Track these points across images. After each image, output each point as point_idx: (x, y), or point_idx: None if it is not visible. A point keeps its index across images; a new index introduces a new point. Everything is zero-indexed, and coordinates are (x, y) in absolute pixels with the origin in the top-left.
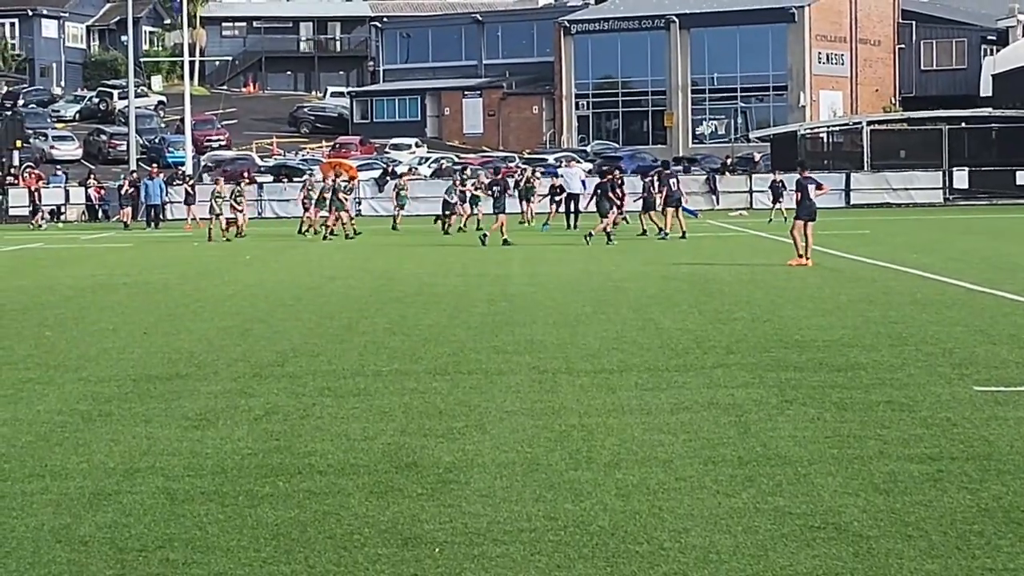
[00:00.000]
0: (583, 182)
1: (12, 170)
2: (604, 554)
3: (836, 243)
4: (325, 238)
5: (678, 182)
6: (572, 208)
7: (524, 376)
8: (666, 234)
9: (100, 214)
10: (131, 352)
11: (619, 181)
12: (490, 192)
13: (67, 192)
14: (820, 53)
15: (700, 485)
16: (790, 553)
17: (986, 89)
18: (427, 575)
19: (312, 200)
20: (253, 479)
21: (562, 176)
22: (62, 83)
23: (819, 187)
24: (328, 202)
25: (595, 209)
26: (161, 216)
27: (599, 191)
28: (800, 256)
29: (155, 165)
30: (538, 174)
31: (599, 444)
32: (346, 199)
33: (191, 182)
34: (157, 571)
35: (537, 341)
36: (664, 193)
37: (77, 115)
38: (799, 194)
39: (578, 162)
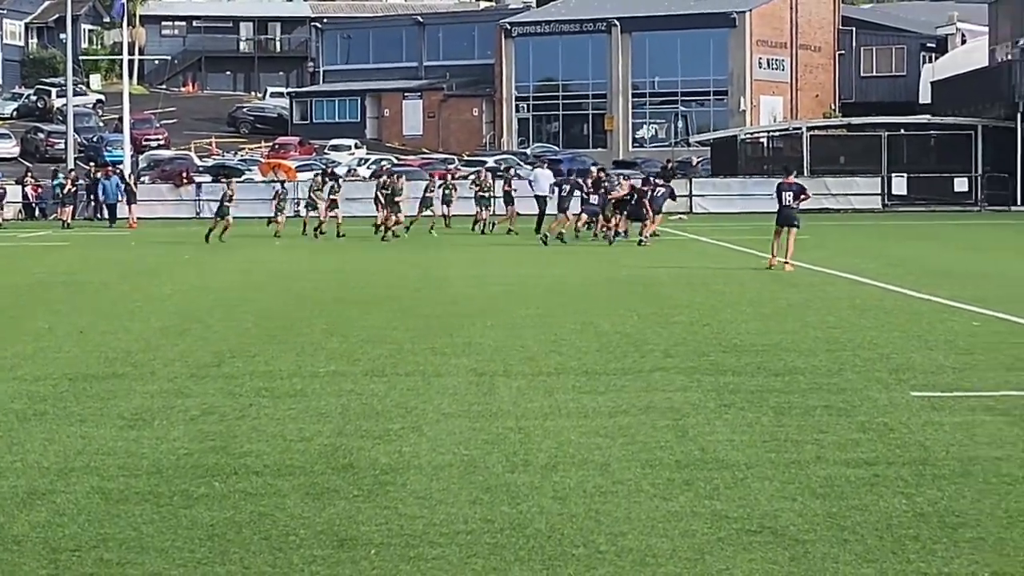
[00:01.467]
0: (551, 185)
1: None
2: (541, 557)
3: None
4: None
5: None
6: (539, 210)
7: (462, 378)
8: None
9: (37, 212)
10: (67, 351)
11: (604, 181)
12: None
13: (4, 190)
14: (761, 58)
15: (637, 488)
16: (727, 557)
17: (925, 96)
18: None
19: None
20: (189, 479)
21: (532, 178)
22: None
23: (797, 195)
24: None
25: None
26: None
27: (563, 191)
28: (772, 257)
29: (92, 164)
30: (489, 177)
31: (536, 447)
32: (319, 199)
33: (133, 181)
34: (91, 571)
35: (475, 343)
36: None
37: (14, 113)
38: (777, 200)
39: (544, 164)
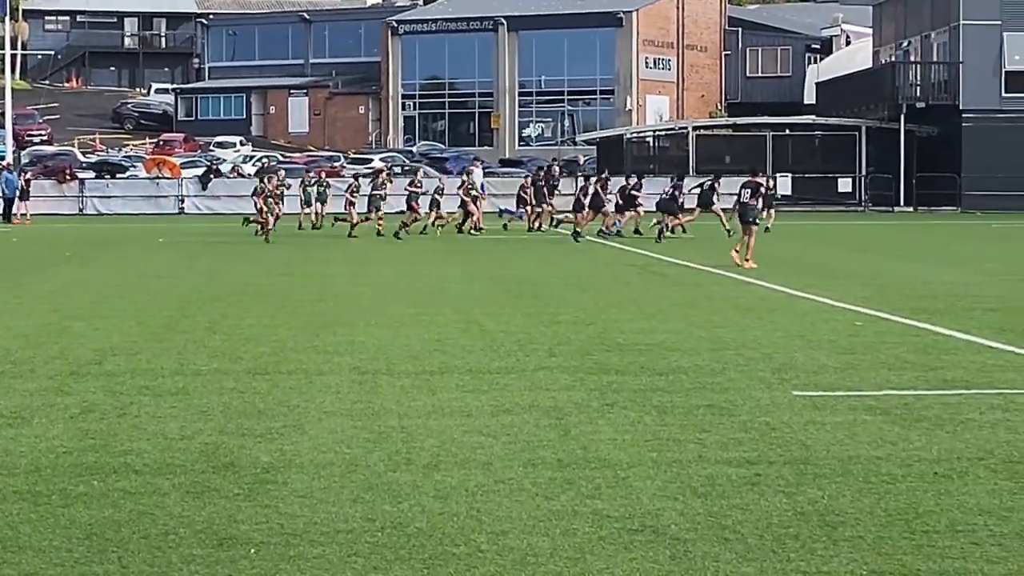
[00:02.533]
0: (482, 185)
1: None
2: (421, 556)
3: (660, 247)
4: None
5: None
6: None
7: (345, 377)
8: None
9: None
10: None
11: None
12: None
13: None
14: (647, 58)
15: (519, 487)
16: (608, 556)
17: (810, 97)
18: None
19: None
20: (68, 478)
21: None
22: None
23: (753, 194)
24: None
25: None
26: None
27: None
28: (736, 255)
29: None
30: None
31: (419, 446)
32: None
33: (26, 177)
34: None
35: (359, 342)
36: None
37: None
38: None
39: (481, 163)
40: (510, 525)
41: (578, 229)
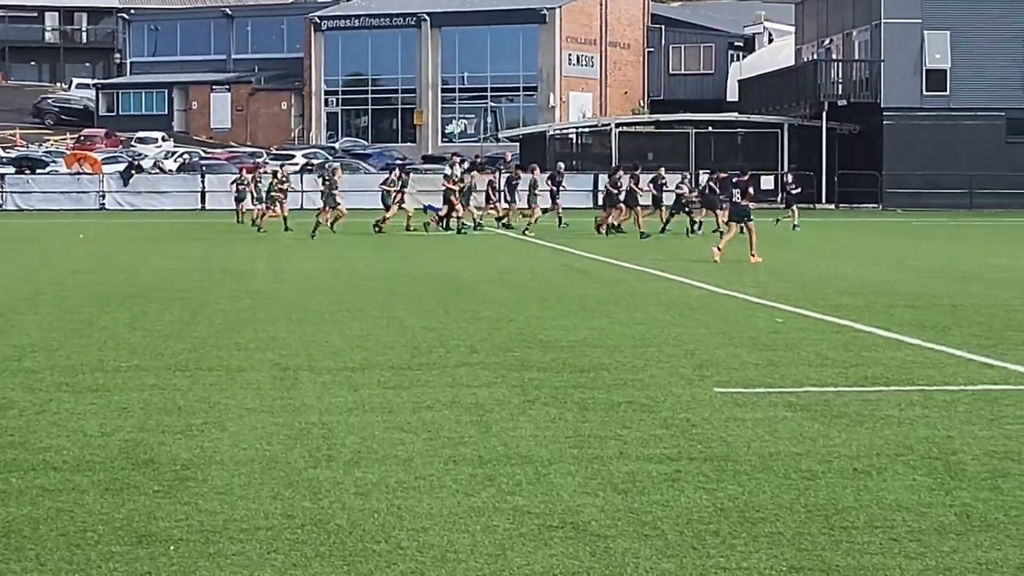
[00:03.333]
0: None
1: None
2: (341, 553)
3: (583, 244)
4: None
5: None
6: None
7: (266, 373)
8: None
9: None
10: None
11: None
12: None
13: None
14: (570, 55)
15: (440, 484)
16: (527, 552)
17: (733, 94)
18: (160, 573)
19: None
20: None
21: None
22: None
23: (743, 194)
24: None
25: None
26: None
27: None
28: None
29: None
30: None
31: (339, 442)
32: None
33: None
34: None
35: (280, 338)
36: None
37: None
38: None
39: (463, 160)
40: (430, 522)
41: (624, 225)
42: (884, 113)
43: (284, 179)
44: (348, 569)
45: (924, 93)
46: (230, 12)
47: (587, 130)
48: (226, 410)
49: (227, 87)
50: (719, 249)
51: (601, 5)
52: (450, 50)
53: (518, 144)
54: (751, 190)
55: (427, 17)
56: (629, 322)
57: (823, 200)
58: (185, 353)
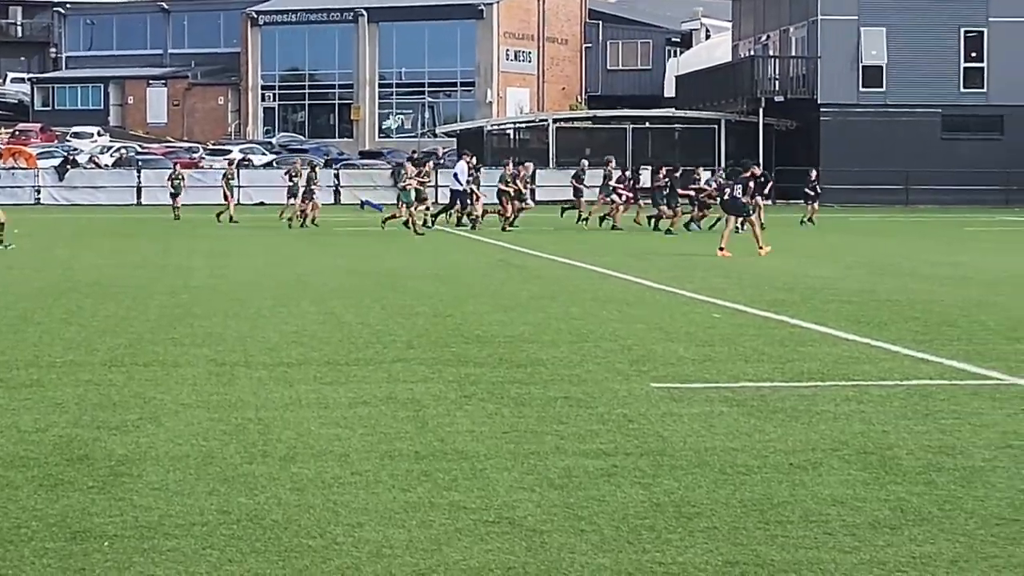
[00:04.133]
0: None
1: None
2: (277, 548)
3: (521, 239)
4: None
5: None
6: (461, 205)
7: (202, 369)
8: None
9: None
10: None
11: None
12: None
13: None
14: (508, 50)
15: (376, 479)
16: (464, 548)
17: (670, 90)
18: (95, 569)
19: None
20: None
21: (457, 171)
22: None
23: (744, 190)
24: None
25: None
26: None
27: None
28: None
29: None
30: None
31: (275, 438)
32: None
33: None
34: None
35: (216, 334)
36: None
37: None
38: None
39: (469, 156)
40: (366, 517)
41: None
42: (821, 109)
43: (232, 175)
44: (283, 564)
45: (860, 89)
46: (166, 7)
47: (524, 126)
48: (162, 406)
49: (163, 82)
50: (722, 249)
51: (539, 1)
52: (387, 45)
53: (455, 140)
54: (751, 188)
55: (364, 12)
56: (566, 317)
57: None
58: (121, 348)
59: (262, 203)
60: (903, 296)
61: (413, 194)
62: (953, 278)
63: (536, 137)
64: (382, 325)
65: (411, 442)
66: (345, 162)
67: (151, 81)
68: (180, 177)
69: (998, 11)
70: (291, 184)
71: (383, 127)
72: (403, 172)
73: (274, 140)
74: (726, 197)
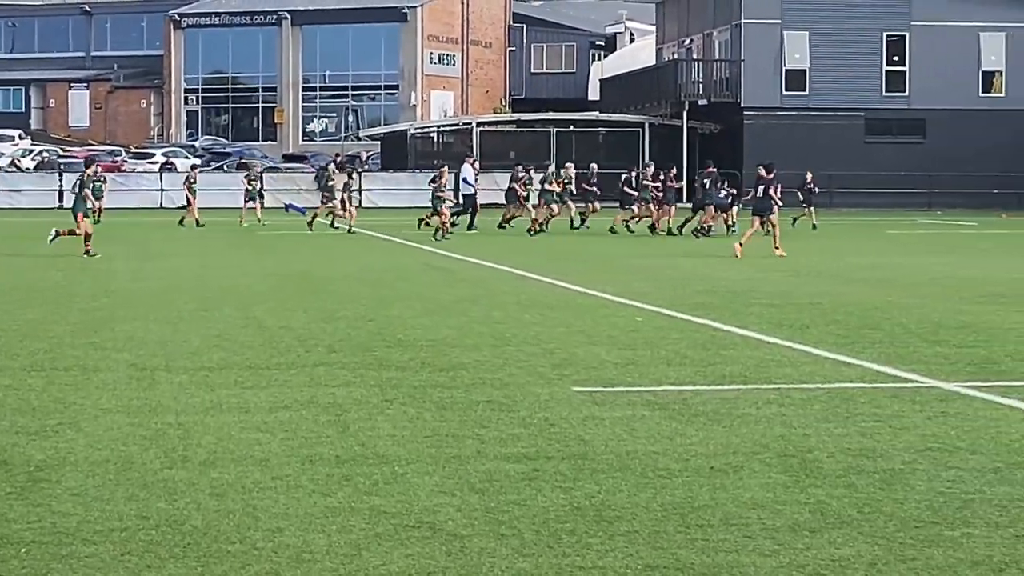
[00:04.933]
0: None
1: None
2: (196, 554)
3: (444, 243)
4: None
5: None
6: (470, 208)
7: (122, 373)
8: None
9: None
10: None
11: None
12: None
13: None
14: (432, 54)
15: (296, 484)
16: (384, 552)
17: (594, 93)
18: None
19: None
20: None
21: (464, 175)
22: None
23: (767, 190)
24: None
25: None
26: None
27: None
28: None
29: None
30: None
31: (196, 442)
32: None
33: None
34: None
35: (137, 338)
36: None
37: None
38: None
39: (472, 159)
40: (286, 522)
41: (704, 226)
42: (744, 113)
43: (194, 179)
44: (203, 570)
45: (784, 93)
46: (89, 9)
47: (448, 129)
48: (81, 410)
49: (86, 85)
50: (740, 245)
51: (463, 4)
52: (311, 48)
53: (379, 143)
54: (774, 188)
55: (288, 15)
56: (488, 321)
57: (683, 199)
58: (40, 353)
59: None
60: (825, 299)
61: (447, 202)
62: (875, 281)
63: (460, 140)
64: (304, 329)
65: (332, 446)
66: (269, 165)
67: (73, 84)
68: (102, 180)
69: (920, 15)
70: (249, 188)
71: (307, 130)
72: (328, 175)
73: (197, 143)
74: (751, 197)
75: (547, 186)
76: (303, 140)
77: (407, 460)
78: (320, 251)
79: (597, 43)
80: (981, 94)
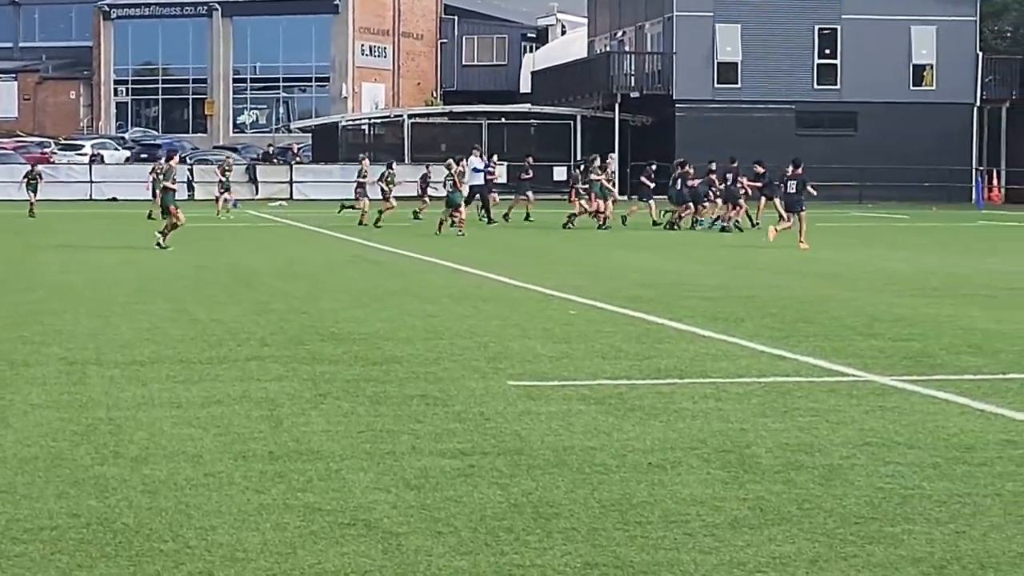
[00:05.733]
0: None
1: None
2: (128, 553)
3: (376, 235)
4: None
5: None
6: (479, 198)
7: (52, 368)
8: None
9: None
10: None
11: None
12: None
13: None
14: (363, 45)
15: (230, 481)
16: (319, 551)
17: (526, 86)
18: None
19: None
20: None
21: (470, 167)
22: None
23: (803, 186)
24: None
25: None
26: None
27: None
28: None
29: None
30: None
31: (127, 438)
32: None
33: None
34: None
35: (67, 331)
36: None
37: None
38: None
39: (479, 151)
40: (219, 520)
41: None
42: (676, 105)
43: (162, 171)
44: (134, 570)
45: (716, 85)
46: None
47: (380, 121)
48: (10, 406)
49: (13, 76)
50: (776, 230)
51: None
52: (242, 40)
53: (310, 135)
54: (808, 184)
55: (219, 6)
56: (422, 314)
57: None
58: None
59: (115, 199)
60: (760, 292)
61: (461, 196)
62: (808, 274)
63: (391, 132)
64: (236, 322)
65: (265, 442)
66: (199, 157)
67: (1, 75)
68: (38, 175)
69: (851, 9)
70: (223, 179)
71: (237, 122)
72: (361, 169)
73: (127, 135)
74: (784, 192)
75: (593, 177)
76: (234, 132)
77: (341, 456)
78: (250, 244)
79: (529, 35)
80: (912, 87)
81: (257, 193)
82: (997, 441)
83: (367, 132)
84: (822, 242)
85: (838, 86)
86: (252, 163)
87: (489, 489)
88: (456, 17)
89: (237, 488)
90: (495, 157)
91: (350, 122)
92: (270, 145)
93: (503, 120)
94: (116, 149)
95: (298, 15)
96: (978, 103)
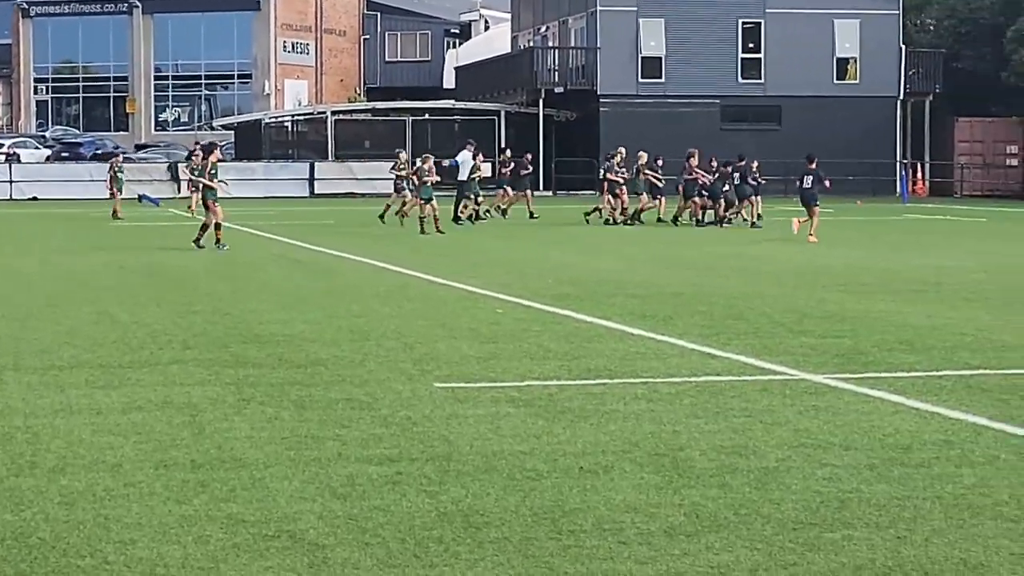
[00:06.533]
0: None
1: None
2: (44, 569)
3: (301, 234)
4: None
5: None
6: (473, 195)
7: None
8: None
9: None
10: None
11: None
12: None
13: None
14: (285, 42)
15: (150, 491)
16: (242, 564)
17: (449, 81)
18: None
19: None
20: None
21: (460, 160)
22: None
23: (818, 180)
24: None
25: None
26: None
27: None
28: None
29: None
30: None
31: (44, 447)
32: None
33: None
34: None
35: None
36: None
37: None
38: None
39: (472, 146)
40: (139, 533)
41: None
42: (600, 100)
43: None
44: None
45: (640, 80)
46: None
47: (303, 118)
48: None
49: None
50: (800, 221)
51: None
52: (163, 37)
53: (233, 132)
54: (824, 179)
55: (139, 3)
56: (347, 315)
57: (540, 187)
58: None
59: (35, 198)
60: (688, 289)
61: (431, 190)
62: (737, 270)
63: (315, 129)
64: (158, 324)
65: (187, 450)
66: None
67: None
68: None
69: (775, 3)
70: (117, 177)
71: (159, 120)
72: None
73: (47, 133)
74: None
75: (611, 175)
76: (156, 130)
77: (265, 464)
78: (170, 243)
79: (452, 31)
80: (836, 81)
81: (179, 192)
82: (934, 441)
83: (290, 129)
84: (747, 237)
85: (762, 80)
86: (174, 162)
87: (417, 497)
88: (379, 13)
89: (158, 499)
90: (480, 156)
91: (273, 119)
92: (197, 143)
93: (427, 116)
94: (36, 148)
95: (219, 12)
96: (901, 96)
